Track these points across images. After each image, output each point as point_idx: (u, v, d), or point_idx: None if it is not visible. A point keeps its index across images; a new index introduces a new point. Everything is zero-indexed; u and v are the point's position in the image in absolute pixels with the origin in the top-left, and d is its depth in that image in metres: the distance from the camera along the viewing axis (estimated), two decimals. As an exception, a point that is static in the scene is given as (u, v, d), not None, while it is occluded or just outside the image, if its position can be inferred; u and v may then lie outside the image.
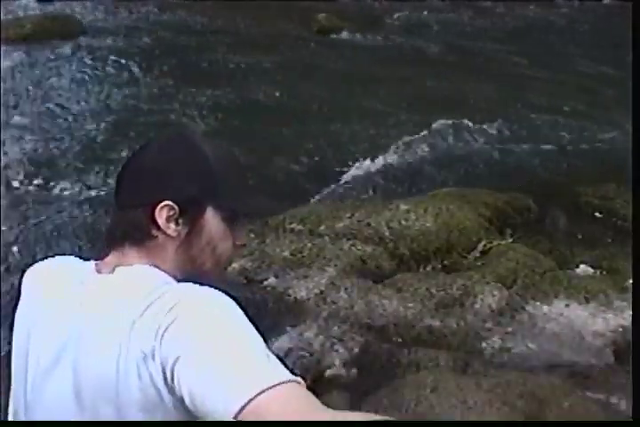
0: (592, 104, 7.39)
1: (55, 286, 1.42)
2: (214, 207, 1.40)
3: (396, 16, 10.64)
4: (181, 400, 1.20)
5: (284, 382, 1.14)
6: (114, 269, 1.37)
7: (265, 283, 3.73)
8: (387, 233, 4.19)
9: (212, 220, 1.41)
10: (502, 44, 9.54)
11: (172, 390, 1.21)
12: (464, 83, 7.88)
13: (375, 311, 3.55)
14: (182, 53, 8.62)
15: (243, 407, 1.12)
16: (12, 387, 1.44)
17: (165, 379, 1.21)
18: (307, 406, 1.14)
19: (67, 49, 8.62)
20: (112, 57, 8.44)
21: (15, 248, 4.52)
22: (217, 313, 1.24)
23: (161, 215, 1.37)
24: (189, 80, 7.83)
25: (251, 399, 1.12)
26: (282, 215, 4.45)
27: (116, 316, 1.29)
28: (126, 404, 1.26)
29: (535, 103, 7.39)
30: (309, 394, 1.16)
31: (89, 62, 8.27)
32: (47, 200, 5.19)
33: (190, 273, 1.42)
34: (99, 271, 1.39)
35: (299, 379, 1.17)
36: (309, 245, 4.04)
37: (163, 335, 1.22)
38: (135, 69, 8.13)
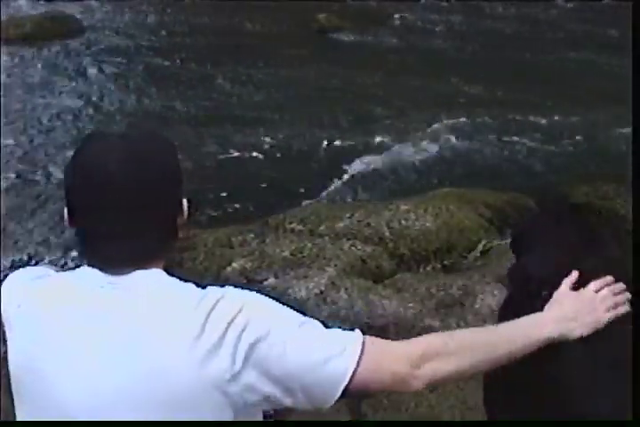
0: (592, 104, 7.39)
1: (68, 293, 1.37)
2: None
3: (396, 16, 10.64)
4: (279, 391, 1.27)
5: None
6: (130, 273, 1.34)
7: (265, 283, 3.72)
8: (387, 233, 4.19)
9: None
10: (502, 43, 9.54)
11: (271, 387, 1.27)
12: (464, 82, 7.88)
13: (375, 311, 3.55)
14: (182, 53, 8.63)
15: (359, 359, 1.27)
16: (26, 391, 1.37)
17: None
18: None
19: (67, 49, 8.62)
20: (112, 57, 8.44)
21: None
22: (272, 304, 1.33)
23: (186, 213, 1.38)
24: (189, 80, 7.83)
25: (362, 350, 1.28)
26: (282, 215, 4.46)
27: (167, 328, 1.28)
28: (182, 409, 1.27)
29: (535, 103, 7.39)
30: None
31: (89, 62, 8.27)
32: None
33: None
34: (108, 277, 1.34)
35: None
36: (309, 245, 4.03)
37: (246, 340, 1.26)
38: (135, 69, 8.13)
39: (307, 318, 1.33)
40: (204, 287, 1.36)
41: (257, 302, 1.33)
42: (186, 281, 1.38)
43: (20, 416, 1.40)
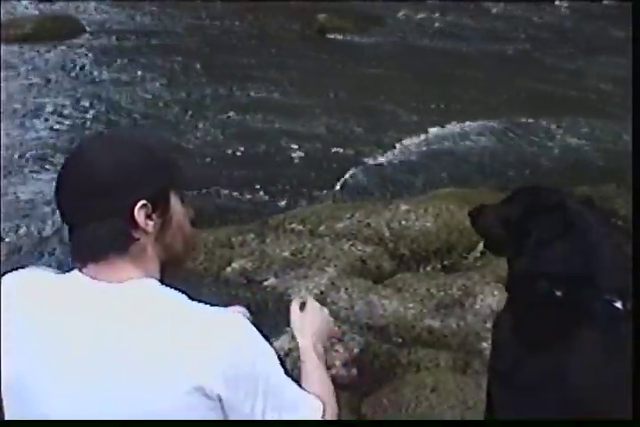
0: (592, 104, 7.39)
1: (55, 299, 1.39)
2: (174, 191, 1.45)
3: (396, 16, 10.64)
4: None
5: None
6: (117, 282, 1.37)
7: (265, 283, 3.73)
8: (387, 233, 4.19)
9: (175, 203, 1.45)
10: (502, 44, 9.54)
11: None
12: (464, 83, 7.88)
13: (375, 311, 3.55)
14: (182, 53, 8.62)
15: None
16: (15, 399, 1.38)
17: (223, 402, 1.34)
18: None
19: (67, 49, 8.62)
20: (112, 57, 8.44)
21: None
22: (254, 340, 1.39)
23: (140, 216, 1.38)
24: (189, 80, 7.83)
25: None
26: (282, 215, 4.46)
27: (151, 341, 1.31)
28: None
29: (535, 103, 7.39)
30: None
31: (89, 63, 8.27)
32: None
33: (165, 262, 1.46)
34: (98, 284, 1.37)
35: None
36: (309, 245, 4.03)
37: (218, 371, 1.31)
38: (135, 70, 8.13)
39: (279, 372, 1.43)
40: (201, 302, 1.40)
41: (249, 348, 1.38)
42: (182, 292, 1.40)
43: (8, 417, 1.41)
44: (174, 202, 1.45)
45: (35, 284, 1.43)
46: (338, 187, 5.49)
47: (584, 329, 1.72)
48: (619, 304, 1.72)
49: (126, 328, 1.33)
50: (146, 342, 1.31)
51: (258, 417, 1.35)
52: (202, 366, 1.30)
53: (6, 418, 1.40)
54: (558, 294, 1.75)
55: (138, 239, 1.39)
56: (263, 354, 1.39)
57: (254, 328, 1.40)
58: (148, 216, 1.39)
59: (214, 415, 1.33)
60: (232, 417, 1.34)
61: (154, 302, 1.36)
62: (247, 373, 1.34)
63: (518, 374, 1.75)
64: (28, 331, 1.37)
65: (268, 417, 1.36)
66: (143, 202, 1.37)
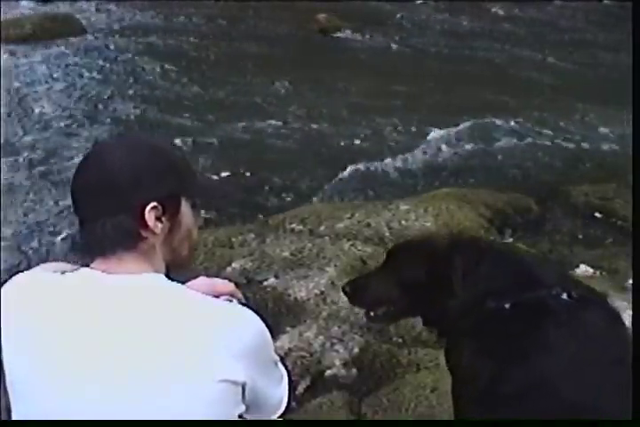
0: (592, 104, 7.39)
1: (64, 297, 1.39)
2: (185, 198, 1.48)
3: (396, 16, 10.65)
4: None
5: None
6: (127, 274, 1.39)
7: (265, 283, 3.73)
8: (387, 233, 4.19)
9: (185, 210, 1.48)
10: (502, 44, 9.55)
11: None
12: (464, 83, 7.88)
13: (375, 311, 3.54)
14: (182, 53, 8.63)
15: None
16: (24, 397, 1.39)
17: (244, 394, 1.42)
18: None
19: (67, 49, 8.62)
20: (112, 57, 8.44)
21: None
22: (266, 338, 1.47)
23: (150, 217, 1.41)
24: (189, 80, 7.83)
25: None
26: (282, 215, 4.46)
27: (175, 336, 1.34)
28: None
29: (535, 103, 7.39)
30: None
31: (89, 62, 8.27)
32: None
33: (168, 265, 1.48)
34: (110, 277, 1.39)
35: None
36: (309, 245, 4.03)
37: (240, 361, 1.38)
38: (135, 70, 8.13)
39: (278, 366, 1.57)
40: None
41: (264, 333, 1.46)
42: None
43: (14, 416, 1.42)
44: (185, 208, 1.48)
45: (40, 286, 1.44)
46: (337, 187, 5.49)
47: (549, 327, 1.78)
48: (564, 296, 1.81)
49: (143, 320, 1.35)
50: (165, 332, 1.33)
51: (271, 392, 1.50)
52: (225, 358, 1.34)
53: (12, 411, 1.41)
54: (507, 306, 1.81)
55: (146, 238, 1.42)
56: (266, 332, 1.47)
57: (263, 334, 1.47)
58: (158, 218, 1.42)
59: (239, 402, 1.39)
60: (253, 398, 1.43)
61: (167, 294, 1.39)
62: (263, 357, 1.45)
63: (504, 388, 1.76)
64: (40, 332, 1.37)
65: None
66: (154, 204, 1.40)
